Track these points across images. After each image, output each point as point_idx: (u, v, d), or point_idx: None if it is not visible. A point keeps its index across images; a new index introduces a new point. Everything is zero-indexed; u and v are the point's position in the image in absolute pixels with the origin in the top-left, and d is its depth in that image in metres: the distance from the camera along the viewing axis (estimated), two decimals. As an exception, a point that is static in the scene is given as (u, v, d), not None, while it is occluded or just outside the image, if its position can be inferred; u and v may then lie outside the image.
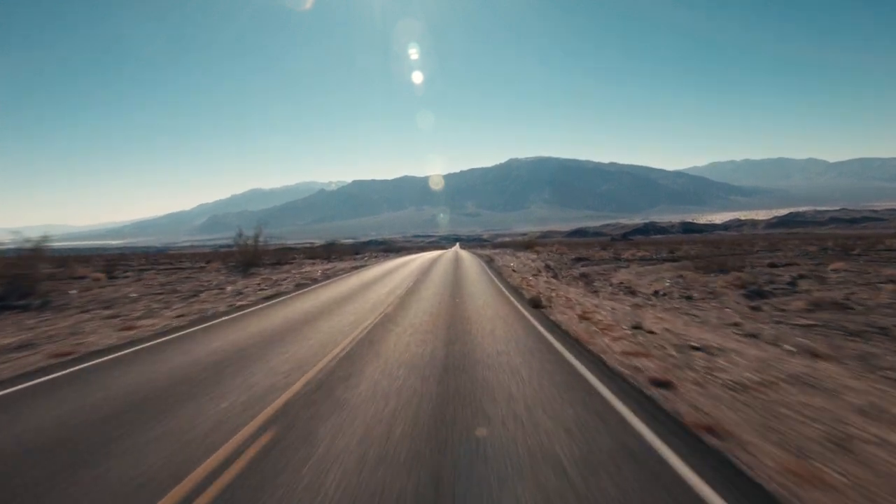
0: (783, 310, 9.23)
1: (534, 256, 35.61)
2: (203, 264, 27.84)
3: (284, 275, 19.85)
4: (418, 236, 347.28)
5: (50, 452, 3.13)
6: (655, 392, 4.26)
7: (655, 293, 12.61)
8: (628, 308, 9.77)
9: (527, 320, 8.15)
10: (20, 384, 4.75)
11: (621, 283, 16.33)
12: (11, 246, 12.65)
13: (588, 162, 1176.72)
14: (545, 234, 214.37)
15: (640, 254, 34.33)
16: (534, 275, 18.57)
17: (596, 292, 12.93)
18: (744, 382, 4.53)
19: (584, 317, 8.54)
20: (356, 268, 25.29)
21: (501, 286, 14.06)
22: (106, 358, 5.79)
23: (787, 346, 6.00)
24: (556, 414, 3.69)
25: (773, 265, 21.01)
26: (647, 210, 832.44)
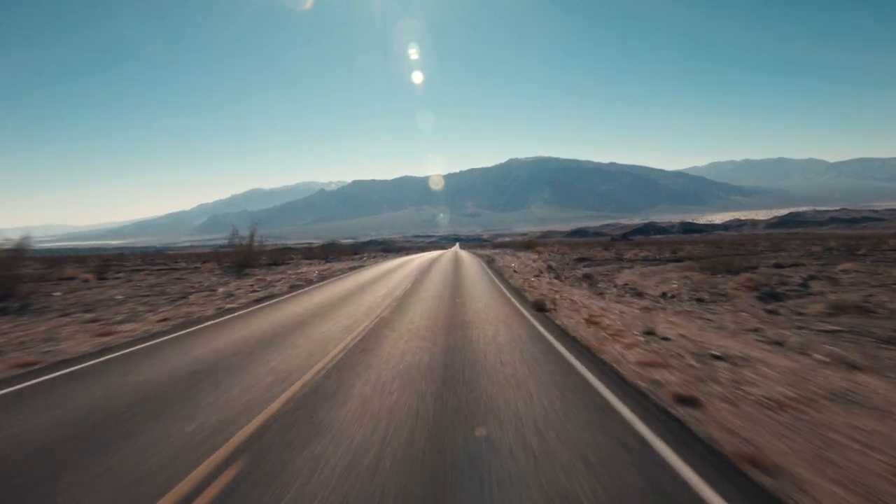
0: (801, 313, 8.73)
1: (535, 257, 35.11)
2: (198, 265, 27.31)
3: (280, 276, 19.34)
4: (418, 236, 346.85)
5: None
6: (682, 412, 3.76)
7: (663, 295, 12.11)
8: (637, 311, 9.27)
9: (531, 325, 7.65)
10: (-32, 401, 4.25)
11: (626, 284, 15.83)
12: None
13: (588, 162, 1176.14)
14: (545, 235, 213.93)
15: (642, 254, 33.82)
16: (536, 276, 18.07)
17: (602, 294, 12.43)
18: (779, 399, 4.03)
19: (591, 321, 8.05)
20: (354, 268, 24.78)
21: (503, 287, 13.56)
22: (72, 369, 5.28)
23: (817, 356, 5.50)
24: (571, 441, 3.18)
25: (778, 265, 20.51)
26: (647, 210, 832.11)
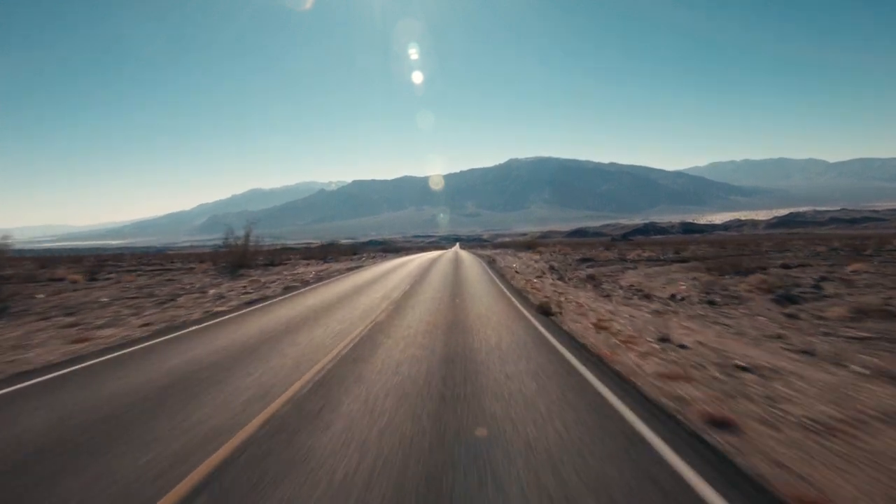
0: (823, 318, 8.22)
1: (536, 257, 34.61)
2: (193, 265, 26.79)
3: (275, 276, 18.83)
4: (418, 236, 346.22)
5: None
6: (717, 438, 3.25)
7: (673, 297, 11.60)
8: (648, 315, 8.76)
9: (537, 331, 7.15)
10: None
11: (631, 285, 15.31)
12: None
13: (588, 162, 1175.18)
14: (545, 235, 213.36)
15: (645, 254, 33.31)
16: (538, 277, 17.56)
17: (608, 296, 11.92)
18: (825, 422, 3.52)
19: (600, 326, 7.54)
20: (351, 269, 24.27)
21: (505, 289, 13.05)
22: (29, 383, 4.76)
23: (854, 367, 4.99)
24: (593, 478, 2.68)
25: (785, 266, 20.01)
26: (647, 210, 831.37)
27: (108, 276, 20.44)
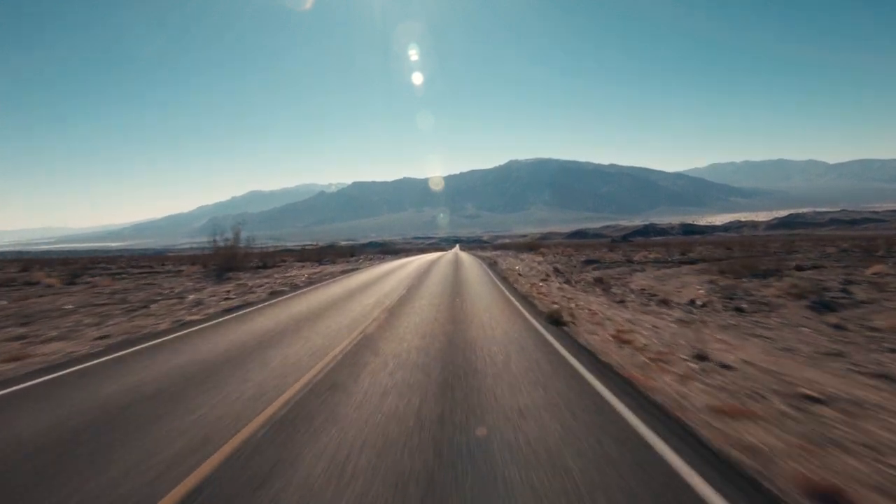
0: (874, 328, 7.22)
1: (539, 259, 33.59)
2: (182, 268, 25.75)
3: (264, 280, 17.82)
4: (418, 238, 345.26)
5: None
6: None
7: (692, 303, 10.59)
8: (673, 325, 7.75)
9: (550, 346, 6.13)
10: None
11: (643, 289, 14.30)
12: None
13: (588, 163, 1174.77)
14: (545, 236, 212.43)
15: (652, 256, 32.30)
16: (543, 280, 16.55)
17: (622, 302, 10.91)
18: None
19: (621, 339, 6.53)
20: (346, 272, 23.24)
21: (509, 294, 12.04)
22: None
23: (957, 399, 3.98)
24: None
25: (799, 268, 19.03)
26: (647, 212, 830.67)
27: (91, 279, 19.41)
